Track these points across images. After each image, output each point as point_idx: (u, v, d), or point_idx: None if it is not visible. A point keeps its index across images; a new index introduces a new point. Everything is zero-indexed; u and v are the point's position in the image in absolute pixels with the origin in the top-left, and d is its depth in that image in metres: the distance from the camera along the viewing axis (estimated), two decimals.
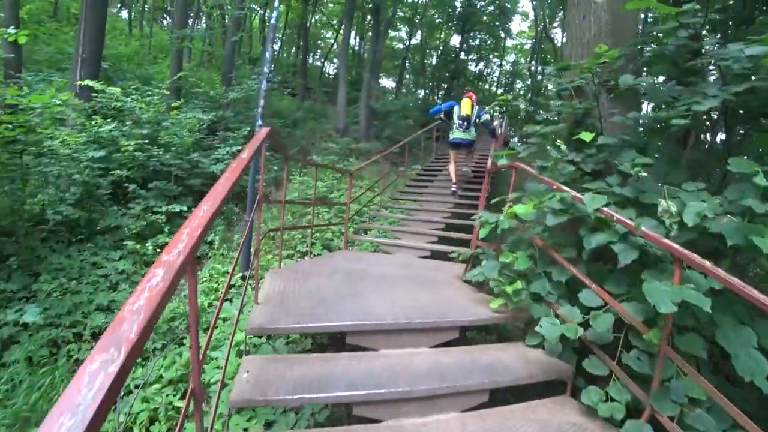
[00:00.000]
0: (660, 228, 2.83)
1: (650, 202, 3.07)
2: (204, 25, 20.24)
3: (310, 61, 25.10)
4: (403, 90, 27.38)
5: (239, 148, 8.91)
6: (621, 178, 3.30)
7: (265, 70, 5.69)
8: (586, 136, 3.09)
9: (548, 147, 4.01)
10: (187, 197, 7.68)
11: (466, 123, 7.49)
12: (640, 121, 3.94)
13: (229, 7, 13.18)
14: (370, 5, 19.97)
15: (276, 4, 5.73)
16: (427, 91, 27.79)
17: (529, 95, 28.56)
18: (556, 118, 4.32)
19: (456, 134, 7.64)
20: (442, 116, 8.09)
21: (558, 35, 26.05)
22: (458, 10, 24.09)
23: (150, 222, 6.58)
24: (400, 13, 22.53)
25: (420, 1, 23.56)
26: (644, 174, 3.04)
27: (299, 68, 19.97)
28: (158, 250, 6.15)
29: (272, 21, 5.84)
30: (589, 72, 3.58)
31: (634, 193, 3.12)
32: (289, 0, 19.37)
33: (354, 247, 6.36)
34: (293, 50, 25.88)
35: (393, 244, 5.75)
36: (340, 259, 4.97)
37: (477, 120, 7.59)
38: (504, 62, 30.52)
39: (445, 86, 25.12)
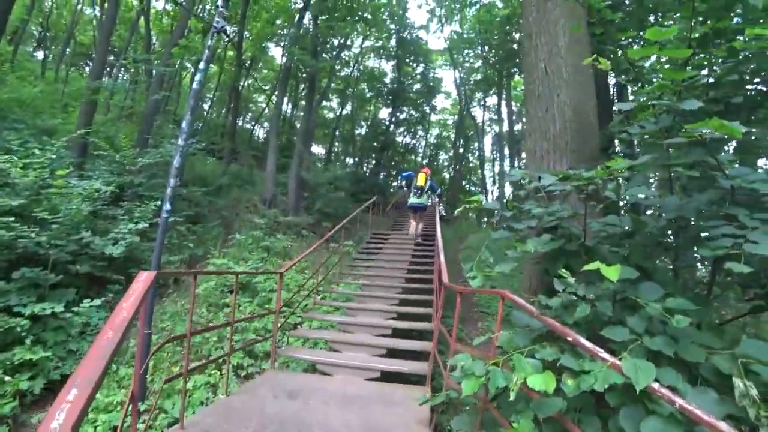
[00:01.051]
0: (724, 405, 2.06)
1: (693, 360, 2.31)
2: (126, 78, 18.48)
3: (240, 123, 23.94)
4: (332, 158, 26.91)
5: (147, 225, 7.38)
6: (644, 318, 2.54)
7: (180, 142, 4.52)
8: (611, 273, 2.28)
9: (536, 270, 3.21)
10: (69, 288, 5.95)
11: (419, 191, 9.36)
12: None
13: (157, 62, 11.83)
14: (304, 75, 19.68)
15: (201, 66, 4.69)
16: (356, 159, 27.58)
17: (453, 166, 29.50)
18: (531, 225, 3.60)
19: (412, 200, 9.49)
20: (403, 183, 9.94)
21: (479, 114, 27.49)
22: (387, 86, 24.66)
23: (3, 329, 4.79)
24: (333, 85, 22.48)
25: (352, 75, 23.78)
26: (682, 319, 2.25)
27: (228, 130, 18.68)
28: (7, 377, 4.37)
29: (195, 86, 4.78)
30: (589, 183, 2.90)
31: (669, 348, 2.33)
32: (223, 63, 18.42)
33: (290, 349, 5.04)
34: (223, 111, 24.62)
35: (332, 362, 4.53)
36: (268, 393, 3.68)
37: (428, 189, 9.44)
38: (429, 135, 31.53)
39: (375, 156, 25.04)
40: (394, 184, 26.65)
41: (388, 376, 4.38)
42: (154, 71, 12.29)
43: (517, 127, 23.54)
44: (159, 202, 8.07)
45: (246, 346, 5.12)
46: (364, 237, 11.81)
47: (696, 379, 2.33)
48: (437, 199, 10.25)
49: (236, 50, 15.56)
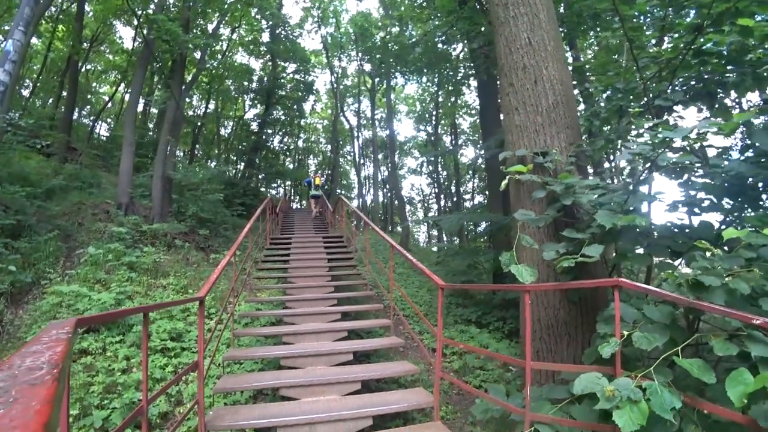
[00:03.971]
0: None
1: None
2: None
3: (76, 117, 18.92)
4: (194, 161, 23.39)
5: None
6: None
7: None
8: None
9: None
10: None
11: (318, 188, 14.17)
12: None
13: None
14: (160, 63, 16.36)
15: None
16: (221, 163, 24.47)
17: (326, 169, 28.44)
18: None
19: (313, 192, 14.08)
20: (305, 185, 15.86)
21: (352, 119, 26.79)
22: (255, 83, 22.33)
23: None
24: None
25: (218, 70, 20.79)
26: None
27: (61, 122, 14.46)
28: None
29: None
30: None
31: None
32: (52, 37, 14.19)
33: (220, 413, 3.28)
34: (50, 101, 19.20)
35: (296, 421, 2.94)
36: None
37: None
38: (299, 139, 29.83)
39: (247, 158, 22.42)
40: (272, 191, 24.57)
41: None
42: None
43: (382, 133, 23.50)
44: None
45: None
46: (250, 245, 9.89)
47: None
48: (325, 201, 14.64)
49: (75, 22, 12.00)
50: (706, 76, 3.57)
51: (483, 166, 21.13)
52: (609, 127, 4.77)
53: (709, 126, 2.07)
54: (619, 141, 3.62)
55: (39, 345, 0.68)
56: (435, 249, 19.22)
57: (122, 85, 20.71)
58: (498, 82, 10.05)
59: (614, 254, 3.07)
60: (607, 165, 10.98)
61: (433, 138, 25.36)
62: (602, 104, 4.57)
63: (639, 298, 2.40)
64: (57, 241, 7.51)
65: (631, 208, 2.59)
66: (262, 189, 23.79)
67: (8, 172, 9.09)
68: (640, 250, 2.80)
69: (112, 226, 8.43)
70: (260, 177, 23.55)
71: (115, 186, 11.14)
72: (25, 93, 17.92)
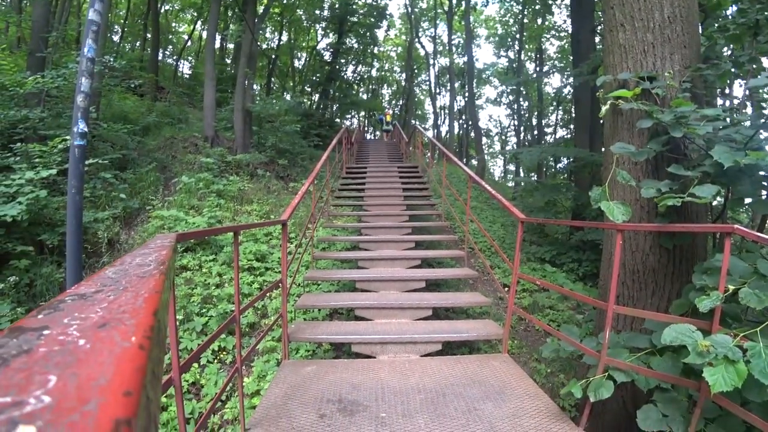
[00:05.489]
0: None
1: None
2: None
3: (160, 58, 20.13)
4: (271, 94, 24.06)
5: (54, 171, 5.32)
6: None
7: (90, 43, 2.73)
8: None
9: None
10: None
11: (389, 123, 17.26)
12: None
13: None
14: None
15: None
16: (296, 95, 24.93)
17: (401, 102, 27.91)
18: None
19: (385, 127, 17.47)
20: (379, 120, 18.62)
21: (428, 45, 25.50)
22: (326, 11, 21.79)
23: None
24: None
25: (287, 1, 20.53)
26: None
27: (149, 63, 15.47)
28: None
29: None
30: None
31: None
32: None
33: (300, 327, 3.70)
34: (138, 44, 20.50)
35: (369, 339, 3.20)
36: (308, 410, 2.34)
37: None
38: (373, 69, 29.20)
39: (321, 89, 22.57)
40: (346, 122, 24.85)
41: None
42: None
43: (459, 60, 22.03)
44: (61, 141, 5.87)
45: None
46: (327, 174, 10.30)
47: None
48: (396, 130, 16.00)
49: None
50: None
51: (569, 96, 19.40)
52: (732, 49, 4.04)
53: None
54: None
55: (147, 249, 0.76)
56: (511, 184, 18.57)
57: (199, 23, 21.36)
58: None
59: (724, 199, 2.74)
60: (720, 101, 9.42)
61: (515, 65, 23.49)
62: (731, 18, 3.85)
63: (749, 252, 2.16)
64: (156, 172, 8.36)
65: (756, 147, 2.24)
66: (337, 120, 24.19)
67: (111, 113, 10.09)
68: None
69: (201, 158, 9.14)
70: (335, 108, 23.81)
71: (200, 120, 11.92)
72: (116, 39, 19.22)
